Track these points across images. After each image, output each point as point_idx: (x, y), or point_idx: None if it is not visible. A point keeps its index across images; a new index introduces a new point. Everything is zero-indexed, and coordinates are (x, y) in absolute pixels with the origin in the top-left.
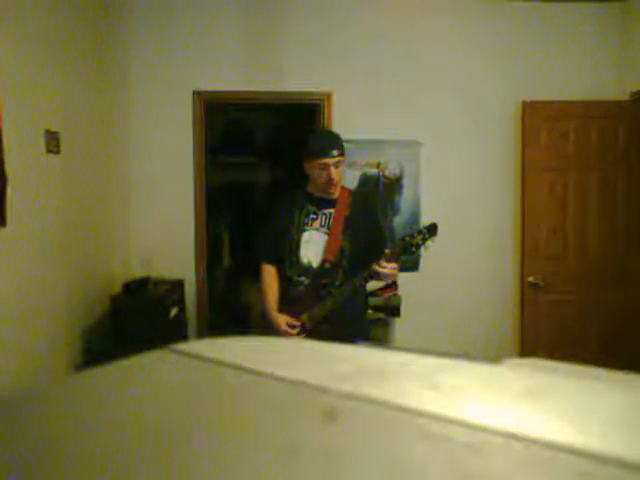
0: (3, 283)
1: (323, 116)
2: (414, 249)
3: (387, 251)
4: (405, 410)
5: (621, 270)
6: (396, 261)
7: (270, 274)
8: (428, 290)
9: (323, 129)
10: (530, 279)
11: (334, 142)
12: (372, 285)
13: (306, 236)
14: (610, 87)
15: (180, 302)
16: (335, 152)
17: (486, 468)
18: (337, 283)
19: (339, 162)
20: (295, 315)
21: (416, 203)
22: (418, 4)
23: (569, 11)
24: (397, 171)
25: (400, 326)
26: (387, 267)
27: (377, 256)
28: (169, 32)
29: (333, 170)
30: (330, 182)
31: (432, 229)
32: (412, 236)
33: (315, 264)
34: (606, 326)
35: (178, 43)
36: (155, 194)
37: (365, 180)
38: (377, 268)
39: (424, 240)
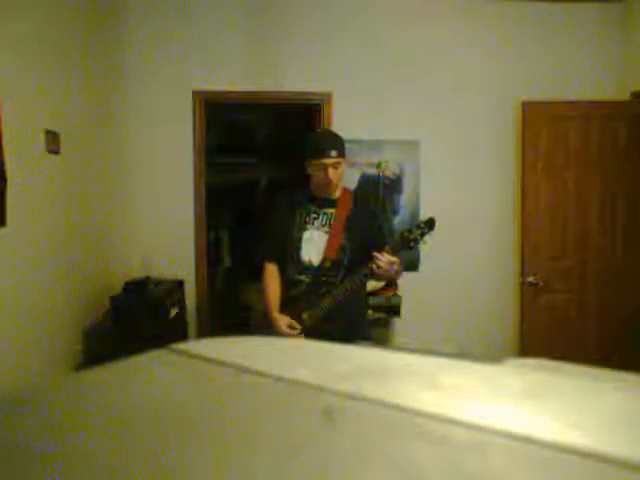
0: (3, 283)
1: (323, 116)
2: (413, 244)
3: (387, 247)
4: (405, 410)
5: (621, 270)
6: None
7: (271, 273)
8: (428, 290)
9: (324, 129)
10: (530, 279)
11: (333, 143)
12: (372, 285)
13: (307, 235)
14: (610, 87)
15: (180, 302)
16: (334, 153)
17: (486, 468)
18: (338, 282)
19: (338, 163)
20: (296, 314)
21: (416, 203)
22: (418, 5)
23: (569, 11)
24: (397, 171)
25: (400, 326)
26: (383, 258)
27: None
28: (169, 32)
29: (331, 171)
30: (328, 183)
31: (430, 224)
32: (410, 231)
33: (316, 263)
34: (606, 326)
35: (178, 43)
36: (155, 194)
37: (365, 180)
38: (376, 256)
39: (422, 235)
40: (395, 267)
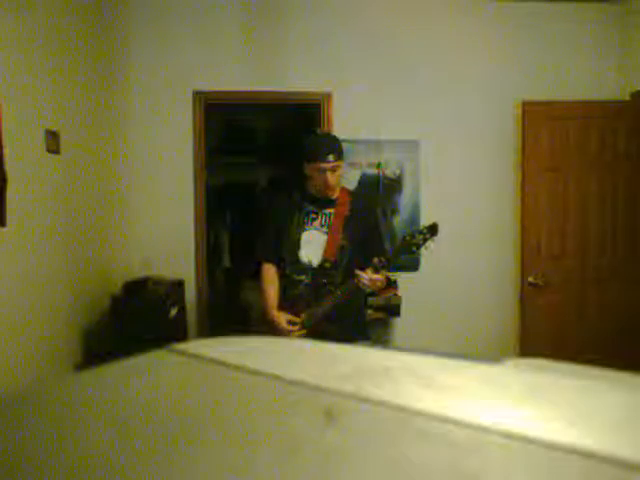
0: (3, 283)
1: (323, 116)
2: (415, 248)
3: (375, 260)
4: (405, 410)
5: (621, 270)
6: (389, 266)
7: (270, 273)
8: (428, 290)
9: (322, 132)
10: (530, 279)
11: (331, 147)
12: None
13: (306, 235)
14: (610, 87)
15: (180, 302)
16: (331, 157)
17: (486, 468)
18: (337, 282)
19: (336, 167)
20: (295, 314)
21: (416, 203)
22: (418, 5)
23: (569, 11)
24: (397, 171)
25: (400, 326)
26: (365, 277)
27: (377, 255)
28: (169, 32)
29: (329, 174)
30: (327, 186)
31: (432, 229)
32: (412, 236)
33: (315, 263)
34: (606, 326)
35: (178, 43)
36: (155, 194)
37: (365, 180)
38: (358, 273)
39: (425, 240)
40: (378, 284)
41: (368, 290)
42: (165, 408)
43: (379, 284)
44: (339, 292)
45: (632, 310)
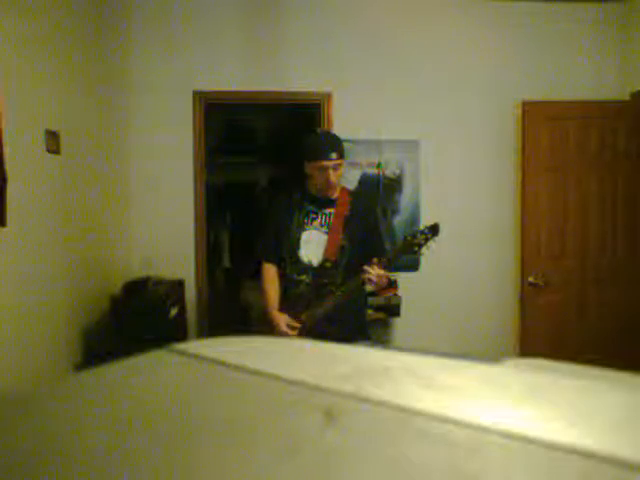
0: (3, 283)
1: (323, 116)
2: (416, 248)
3: (375, 260)
4: (405, 410)
5: (621, 270)
6: (389, 266)
7: (270, 273)
8: (428, 290)
9: (323, 131)
10: (530, 279)
11: (333, 145)
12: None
13: (306, 235)
14: (610, 87)
15: (180, 302)
16: (334, 155)
17: (485, 468)
18: (337, 282)
19: (338, 165)
20: (295, 314)
21: (416, 203)
22: (418, 5)
23: (569, 11)
24: (397, 171)
25: (400, 326)
26: (373, 272)
27: (377, 255)
28: (169, 32)
29: (331, 173)
30: (328, 185)
31: (434, 229)
32: (414, 236)
33: (315, 263)
34: (606, 326)
35: (178, 43)
36: (155, 194)
37: (365, 180)
38: (366, 268)
39: (426, 240)
40: (384, 279)
41: (372, 287)
42: (165, 408)
43: (384, 280)
44: (342, 290)
45: (632, 310)
